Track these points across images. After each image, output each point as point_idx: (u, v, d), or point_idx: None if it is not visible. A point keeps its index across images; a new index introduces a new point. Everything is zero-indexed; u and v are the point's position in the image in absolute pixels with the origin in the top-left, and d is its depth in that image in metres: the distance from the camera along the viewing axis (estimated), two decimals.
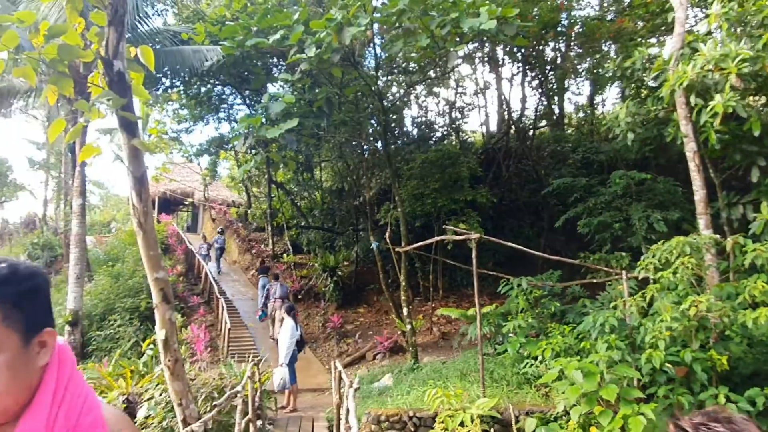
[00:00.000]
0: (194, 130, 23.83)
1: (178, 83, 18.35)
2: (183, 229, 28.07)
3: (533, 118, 20.04)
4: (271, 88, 17.29)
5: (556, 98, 19.80)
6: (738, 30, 7.93)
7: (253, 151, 15.55)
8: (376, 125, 15.62)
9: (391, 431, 6.90)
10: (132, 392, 8.56)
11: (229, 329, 13.07)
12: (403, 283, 11.25)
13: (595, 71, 17.69)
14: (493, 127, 21.03)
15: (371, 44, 11.50)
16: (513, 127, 19.32)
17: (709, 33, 9.13)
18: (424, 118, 20.70)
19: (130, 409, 8.07)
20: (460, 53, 11.61)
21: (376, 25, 11.36)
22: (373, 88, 11.73)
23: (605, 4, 17.73)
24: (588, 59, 17.54)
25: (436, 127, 20.67)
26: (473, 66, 18.96)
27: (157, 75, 15.57)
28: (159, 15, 19.40)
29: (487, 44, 16.61)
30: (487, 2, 9.16)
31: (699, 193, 8.16)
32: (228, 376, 7.51)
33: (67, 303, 11.45)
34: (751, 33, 7.71)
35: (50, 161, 34.54)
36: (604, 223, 10.99)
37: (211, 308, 17.01)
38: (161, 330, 4.03)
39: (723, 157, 9.35)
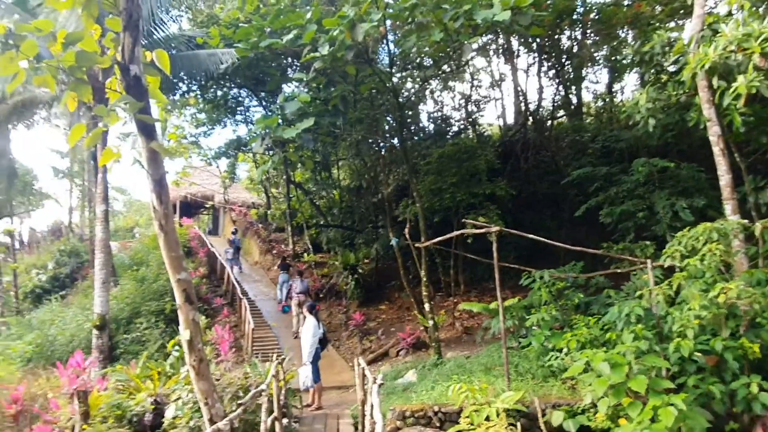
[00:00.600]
0: (212, 134, 24.02)
1: (195, 88, 18.55)
2: (204, 232, 28.39)
3: (551, 108, 19.80)
4: (286, 89, 17.36)
5: (573, 87, 19.51)
6: (761, 9, 7.72)
7: (271, 152, 15.67)
8: (391, 122, 15.60)
9: (417, 427, 6.88)
10: (159, 393, 8.68)
11: (253, 329, 13.18)
12: (424, 279, 11.21)
13: (612, 58, 17.41)
14: (510, 120, 20.83)
15: (384, 40, 11.45)
16: (530, 118, 19.11)
17: (730, 14, 8.92)
18: (439, 113, 20.60)
19: (158, 409, 8.19)
20: (475, 45, 11.51)
21: (388, 22, 11.34)
22: (387, 84, 11.70)
23: None
24: (605, 47, 17.25)
25: (452, 121, 20.56)
26: (488, 58, 18.82)
27: (174, 80, 15.76)
28: (174, 21, 19.62)
29: (501, 35, 16.45)
30: None
31: (724, 178, 7.98)
32: (253, 375, 7.57)
33: (94, 307, 11.65)
34: None
35: (73, 169, 35.15)
36: (627, 212, 10.81)
37: (234, 309, 17.16)
38: (185, 330, 4.07)
39: (748, 141, 9.12)
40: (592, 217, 12.28)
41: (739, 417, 6.56)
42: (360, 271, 17.61)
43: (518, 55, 18.70)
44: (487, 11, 8.72)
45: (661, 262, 8.11)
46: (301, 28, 10.42)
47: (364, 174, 19.01)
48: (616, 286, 10.15)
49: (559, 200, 15.95)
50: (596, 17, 15.42)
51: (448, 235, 9.17)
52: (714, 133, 7.96)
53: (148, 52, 4.67)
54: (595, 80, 20.49)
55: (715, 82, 7.53)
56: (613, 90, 20.30)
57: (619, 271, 9.28)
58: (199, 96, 19.84)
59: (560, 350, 8.44)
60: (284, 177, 21.54)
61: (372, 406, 4.94)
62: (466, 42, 9.54)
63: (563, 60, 17.97)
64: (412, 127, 19.03)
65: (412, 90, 18.12)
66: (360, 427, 6.66)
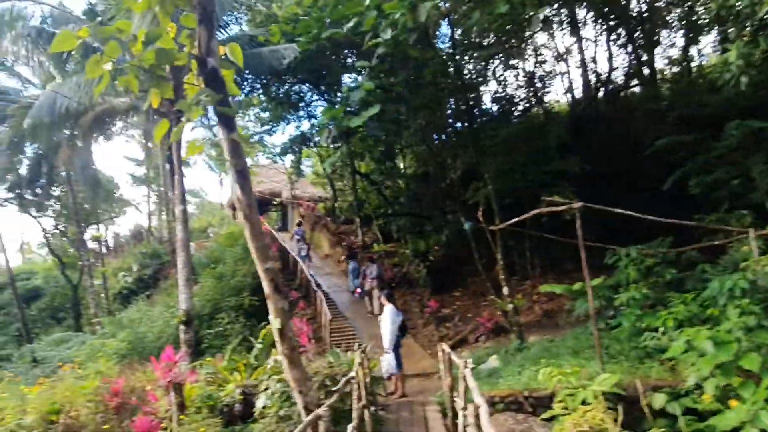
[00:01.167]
0: (276, 131, 24.46)
1: (258, 86, 18.90)
2: (274, 229, 29.04)
3: (622, 78, 18.76)
4: (347, 80, 17.38)
5: (645, 55, 18.37)
6: None
7: (336, 145, 15.73)
8: (455, 105, 15.27)
9: (507, 413, 6.67)
10: (247, 384, 8.91)
11: (330, 320, 13.33)
12: (501, 263, 10.91)
13: (688, 19, 16.23)
14: (579, 94, 19.92)
15: (446, 19, 11.15)
16: (600, 90, 18.20)
17: None
18: (503, 93, 19.98)
19: (247, 399, 8.41)
20: (541, 16, 11.00)
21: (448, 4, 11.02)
22: (450, 66, 11.42)
23: None
24: (679, 9, 16.13)
25: (516, 100, 19.89)
26: (551, 31, 18.04)
27: (238, 79, 16.10)
28: (236, 23, 20.06)
29: (566, 6, 15.70)
30: None
31: None
32: (336, 364, 7.59)
33: (179, 304, 12.12)
34: None
35: (150, 175, 36.90)
36: (720, 180, 10.05)
37: (309, 302, 17.45)
38: (276, 320, 4.06)
39: None
40: (674, 190, 11.52)
41: None
42: (431, 258, 17.45)
43: (585, 24, 17.82)
44: None
45: (766, 231, 7.47)
46: (360, 15, 10.32)
47: (429, 160, 18.77)
48: (709, 261, 9.46)
49: (637, 175, 15.07)
50: None
51: (525, 216, 8.82)
52: None
53: (222, 47, 4.69)
54: (670, 43, 19.15)
55: None
56: (689, 54, 18.98)
57: (716, 243, 8.62)
58: (262, 94, 20.22)
59: (655, 330, 7.95)
60: (350, 169, 21.60)
61: (466, 389, 4.80)
62: (533, 13, 9.10)
63: (633, 26, 16.96)
64: (476, 110, 18.55)
65: (474, 72, 17.65)
66: (449, 414, 6.52)
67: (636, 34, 17.05)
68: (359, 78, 14.95)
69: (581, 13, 16.87)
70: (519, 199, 14.51)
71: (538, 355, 8.94)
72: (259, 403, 6.79)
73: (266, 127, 23.14)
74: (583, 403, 6.15)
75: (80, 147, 19.85)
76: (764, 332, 6.31)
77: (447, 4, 10.45)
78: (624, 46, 17.67)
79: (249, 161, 29.74)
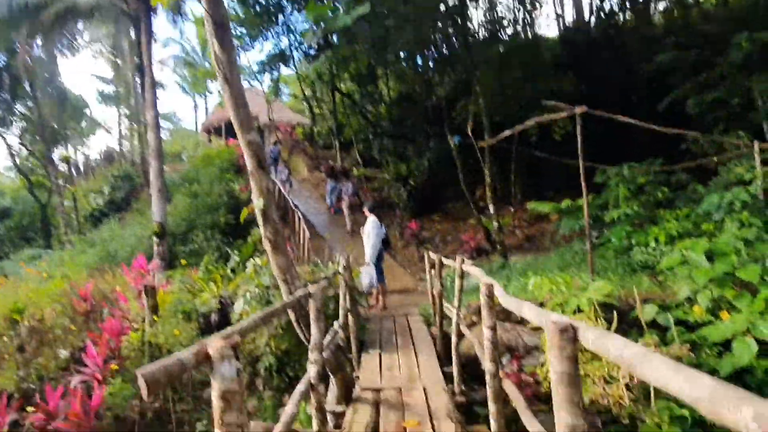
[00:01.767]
0: (253, 48, 23.15)
1: None
2: None
3: (616, 4, 17.96)
4: None
5: None
6: None
7: (318, 57, 14.84)
8: (445, 17, 14.40)
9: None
10: (224, 294, 8.59)
11: (309, 239, 12.98)
12: (488, 179, 10.57)
13: None
14: (571, 18, 19.11)
15: None
16: (595, 13, 17.43)
17: None
18: (492, 17, 19.00)
19: (224, 310, 8.11)
20: None
21: None
22: None
23: None
24: None
25: (506, 22, 18.98)
26: None
27: None
28: None
29: None
30: None
31: None
32: (318, 272, 7.28)
33: (153, 216, 11.58)
34: None
35: (120, 93, 35.27)
36: (719, 99, 9.69)
37: (287, 222, 17.07)
38: (259, 199, 3.62)
39: None
40: (668, 114, 11.17)
41: None
42: (412, 183, 17.07)
43: None
44: None
45: None
46: None
47: (416, 79, 17.98)
48: (700, 182, 9.26)
49: (631, 99, 14.67)
50: None
51: (521, 126, 8.36)
52: None
53: None
54: None
55: None
56: None
57: (716, 159, 8.37)
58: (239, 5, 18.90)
59: (645, 246, 7.78)
60: (329, 87, 20.68)
61: (461, 288, 4.51)
62: None
63: None
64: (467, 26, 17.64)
65: None
66: (435, 323, 6.29)
67: None
68: None
69: None
70: (509, 118, 14.06)
71: (523, 272, 8.76)
72: (237, 306, 6.46)
73: (242, 41, 21.78)
74: (576, 312, 5.97)
75: (43, 57, 18.45)
76: (764, 244, 6.14)
77: None
78: None
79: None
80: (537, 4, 18.86)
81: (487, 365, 2.78)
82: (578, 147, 7.23)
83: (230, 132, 30.24)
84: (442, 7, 12.54)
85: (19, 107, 27.91)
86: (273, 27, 20.78)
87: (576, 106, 7.31)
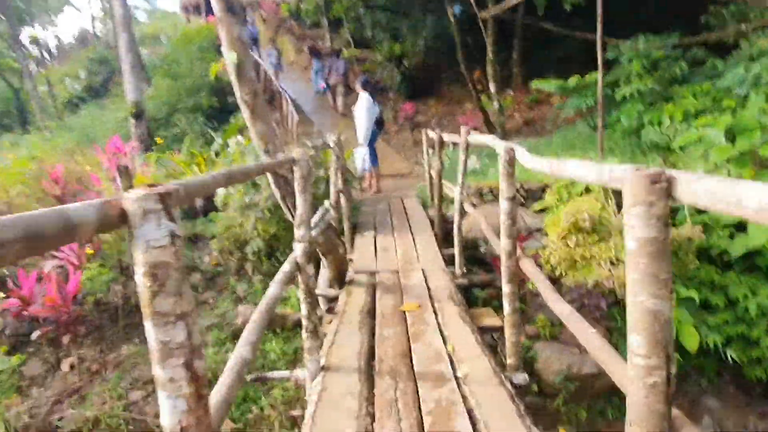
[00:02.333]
0: None
1: None
2: None
3: None
4: None
5: None
6: None
7: None
8: None
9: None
10: None
11: (297, 122, 12.31)
12: (490, 55, 9.74)
13: None
14: None
15: None
16: None
17: None
18: None
19: (208, 195, 7.68)
20: None
21: None
22: None
23: None
24: None
25: None
26: None
27: None
28: None
29: None
30: None
31: None
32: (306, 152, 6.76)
33: (126, 95, 10.76)
34: None
35: None
36: None
37: (273, 106, 16.23)
38: (230, 52, 3.01)
39: None
40: None
41: None
42: (406, 64, 16.05)
43: None
44: None
45: None
46: None
47: None
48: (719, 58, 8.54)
49: None
50: None
51: None
52: None
53: None
54: None
55: None
56: None
57: (743, 27, 7.61)
58: None
59: (658, 125, 7.27)
60: None
61: (465, 162, 4.05)
62: None
63: None
64: None
65: None
66: (434, 204, 5.90)
67: None
68: None
69: None
70: None
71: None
72: (220, 189, 6.00)
73: None
74: (583, 193, 5.59)
75: None
76: None
77: None
78: None
79: None
80: None
81: (503, 242, 2.37)
82: (590, 16, 6.45)
83: (210, 9, 28.19)
84: None
85: None
86: None
87: None
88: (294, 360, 5.05)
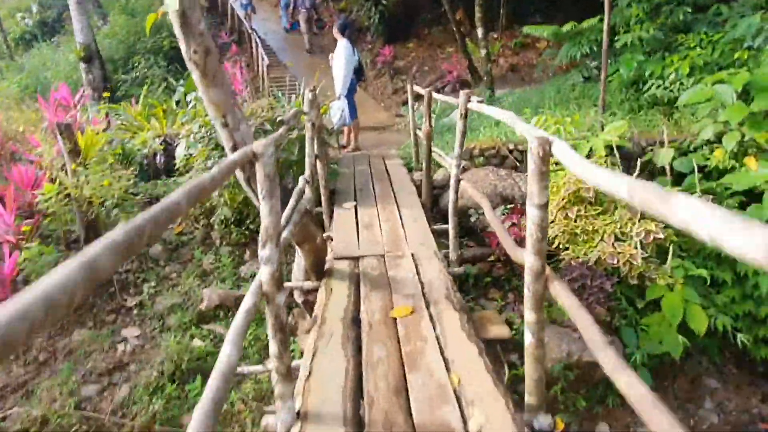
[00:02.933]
0: None
1: None
2: None
3: None
4: None
5: None
6: None
7: None
8: None
9: (489, 167, 5.57)
10: (169, 133, 7.36)
11: (268, 66, 11.39)
12: None
13: None
14: None
15: None
16: None
17: None
18: None
19: (170, 151, 6.95)
20: None
21: None
22: None
23: None
24: None
25: None
26: None
27: None
28: None
29: None
30: None
31: None
32: (278, 107, 6.05)
33: (75, 36, 9.65)
34: None
35: None
36: None
37: (243, 48, 15.12)
38: None
39: None
40: None
41: None
42: (384, 2, 14.96)
43: None
44: None
45: None
46: None
47: None
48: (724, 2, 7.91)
49: None
50: None
51: None
52: None
53: None
54: None
55: None
56: None
57: None
58: None
59: (661, 78, 6.71)
60: None
61: (464, 133, 3.47)
62: None
63: None
64: None
65: None
66: (422, 168, 5.33)
67: None
68: None
69: None
70: None
71: (516, 107, 7.70)
72: (179, 150, 5.31)
73: None
74: (589, 155, 5.07)
75: None
76: None
77: None
78: None
79: None
80: None
81: (530, 259, 1.85)
82: None
83: None
84: None
85: None
86: None
87: None
88: (266, 346, 4.58)
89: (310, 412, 1.95)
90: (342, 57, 7.20)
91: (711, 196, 4.97)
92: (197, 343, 4.48)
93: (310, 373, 2.22)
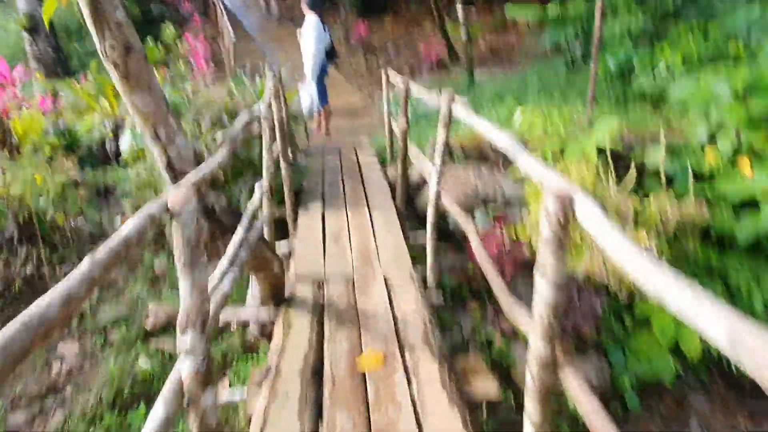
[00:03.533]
0: None
1: None
2: None
3: None
4: None
5: None
6: None
7: None
8: None
9: (470, 165, 5.14)
10: (120, 117, 6.70)
11: (234, 42, 10.66)
12: None
13: None
14: None
15: None
16: None
17: None
18: None
19: (119, 138, 6.31)
20: None
21: None
22: None
23: None
24: None
25: None
26: None
27: None
28: None
29: None
30: None
31: None
32: (239, 95, 5.48)
33: (17, 5, 8.76)
34: None
35: None
36: None
37: (209, 19, 14.24)
38: None
39: None
40: None
41: None
42: None
43: None
44: None
45: None
46: None
47: None
48: None
49: None
50: None
51: None
52: None
53: None
54: None
55: None
56: None
57: None
58: None
59: (652, 70, 6.33)
60: None
61: (448, 123, 3.02)
62: None
63: None
64: None
65: None
66: (397, 164, 4.87)
67: None
68: None
69: None
70: None
71: (498, 94, 7.25)
72: (123, 142, 4.74)
73: None
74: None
75: None
76: None
77: None
78: None
79: None
80: None
81: (536, 345, 1.43)
82: None
83: None
84: None
85: None
86: None
87: None
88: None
89: None
90: (311, 36, 6.60)
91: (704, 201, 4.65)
92: (143, 363, 3.99)
93: None
